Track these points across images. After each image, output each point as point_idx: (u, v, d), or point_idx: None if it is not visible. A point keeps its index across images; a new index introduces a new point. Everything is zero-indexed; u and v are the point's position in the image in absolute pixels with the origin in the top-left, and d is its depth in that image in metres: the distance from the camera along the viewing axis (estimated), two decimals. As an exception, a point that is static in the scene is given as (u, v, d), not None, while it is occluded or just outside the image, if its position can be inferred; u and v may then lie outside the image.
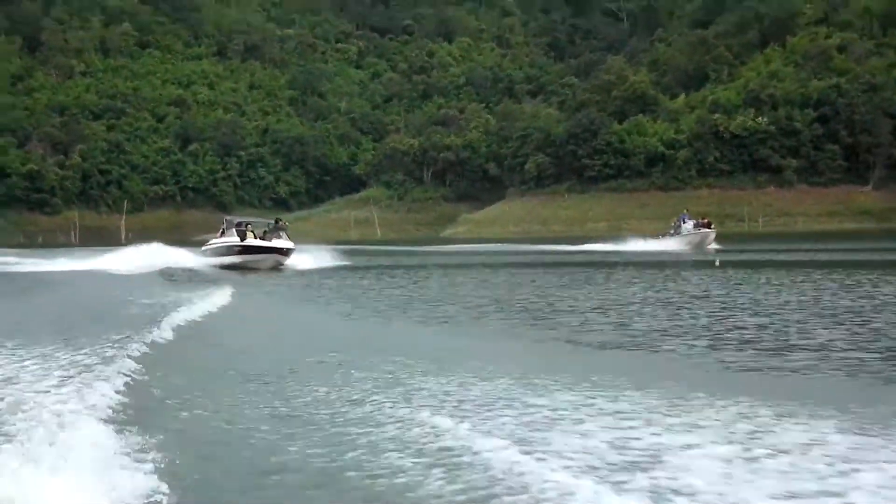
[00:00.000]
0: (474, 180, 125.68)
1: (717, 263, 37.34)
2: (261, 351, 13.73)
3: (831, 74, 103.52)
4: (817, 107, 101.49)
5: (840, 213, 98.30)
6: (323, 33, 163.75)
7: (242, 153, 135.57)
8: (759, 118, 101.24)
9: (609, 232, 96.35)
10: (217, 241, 42.25)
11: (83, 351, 12.56)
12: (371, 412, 8.89)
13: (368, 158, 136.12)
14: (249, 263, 38.77)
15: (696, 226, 55.41)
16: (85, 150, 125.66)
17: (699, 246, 52.94)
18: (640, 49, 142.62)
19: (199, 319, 17.86)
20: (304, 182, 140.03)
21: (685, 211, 61.13)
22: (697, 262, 38.42)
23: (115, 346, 12.94)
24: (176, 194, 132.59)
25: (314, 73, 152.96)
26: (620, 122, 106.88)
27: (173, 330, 15.45)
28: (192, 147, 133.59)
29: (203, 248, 43.33)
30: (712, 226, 56.44)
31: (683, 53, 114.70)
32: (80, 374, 10.72)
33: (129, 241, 58.21)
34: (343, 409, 9.11)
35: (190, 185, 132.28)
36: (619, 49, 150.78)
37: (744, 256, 42.88)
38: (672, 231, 57.25)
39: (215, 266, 39.26)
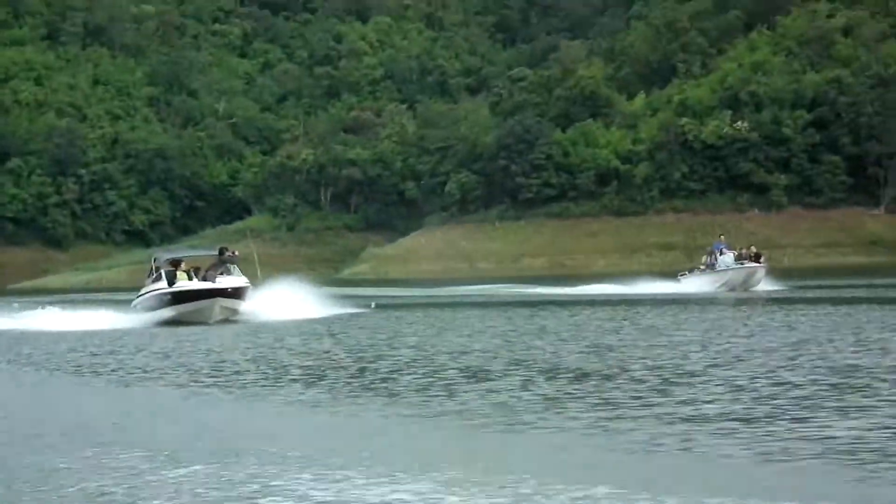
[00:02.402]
0: (387, 204, 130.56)
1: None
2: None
3: (833, 65, 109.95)
4: (813, 107, 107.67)
5: (842, 243, 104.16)
6: (195, 11, 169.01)
7: (83, 171, 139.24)
8: (739, 123, 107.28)
9: (550, 269, 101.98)
10: (146, 290, 41.69)
11: None
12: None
13: (250, 178, 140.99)
14: (186, 316, 38.34)
15: (739, 258, 55.61)
16: None
17: (742, 286, 53.15)
18: (614, 29, 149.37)
19: None
20: (168, 209, 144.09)
21: (720, 238, 60.97)
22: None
23: None
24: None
25: (182, 64, 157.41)
26: (564, 130, 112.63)
27: None
28: (11, 164, 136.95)
29: (133, 302, 42.76)
30: (762, 259, 55.93)
31: (646, 41, 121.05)
32: None
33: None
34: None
35: (9, 216, 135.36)
36: (585, 30, 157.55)
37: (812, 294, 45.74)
38: (704, 266, 57.76)
39: (150, 324, 38.55)
